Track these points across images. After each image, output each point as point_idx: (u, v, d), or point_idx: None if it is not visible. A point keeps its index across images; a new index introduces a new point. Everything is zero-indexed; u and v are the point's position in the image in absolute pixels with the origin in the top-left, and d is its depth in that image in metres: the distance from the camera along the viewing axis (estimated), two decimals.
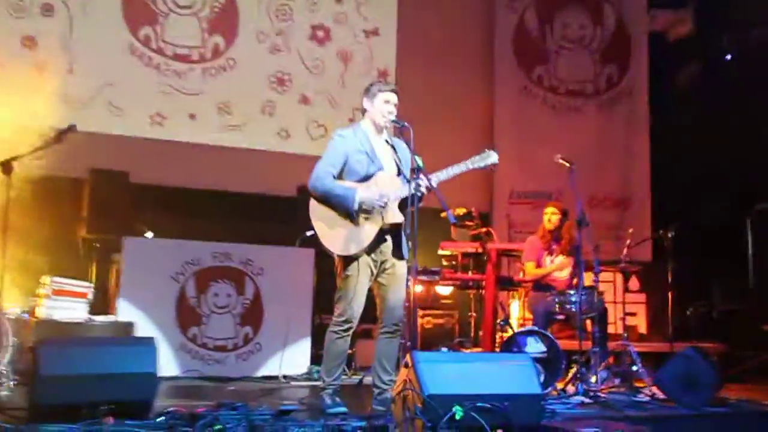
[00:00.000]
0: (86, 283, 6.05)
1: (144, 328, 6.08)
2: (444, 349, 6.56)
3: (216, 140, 7.88)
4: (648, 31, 9.53)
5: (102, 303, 6.28)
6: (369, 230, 4.43)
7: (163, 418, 3.80)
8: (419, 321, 7.41)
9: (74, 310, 5.90)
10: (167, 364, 6.04)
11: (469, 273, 7.30)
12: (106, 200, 6.75)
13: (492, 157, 4.52)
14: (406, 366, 3.65)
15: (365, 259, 4.44)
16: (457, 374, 3.69)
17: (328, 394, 4.51)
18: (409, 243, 4.28)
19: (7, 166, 4.96)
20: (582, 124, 9.35)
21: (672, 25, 9.22)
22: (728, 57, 8.58)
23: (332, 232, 4.44)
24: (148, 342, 4.04)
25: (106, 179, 6.85)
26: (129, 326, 6.01)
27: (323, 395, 4.53)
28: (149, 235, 6.92)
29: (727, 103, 8.56)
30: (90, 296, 6.01)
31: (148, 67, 7.75)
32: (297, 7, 8.36)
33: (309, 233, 4.63)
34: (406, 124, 4.40)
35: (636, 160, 9.44)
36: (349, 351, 6.73)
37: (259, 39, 8.20)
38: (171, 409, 3.91)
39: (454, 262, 7.33)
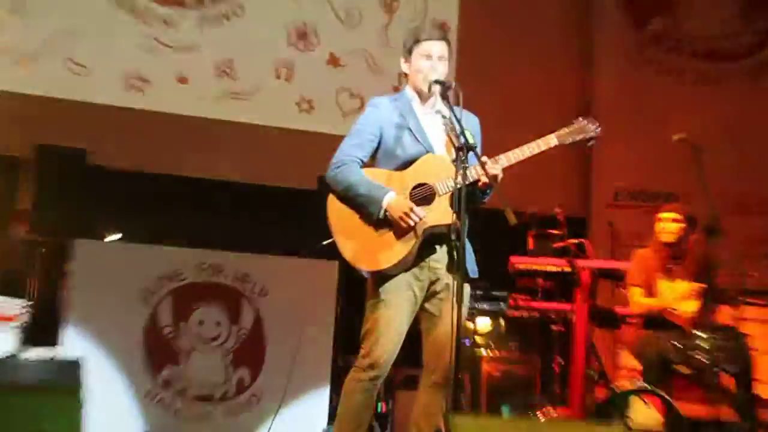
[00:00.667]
0: (17, 301, 5.78)
1: (97, 367, 5.73)
2: (508, 408, 6.27)
3: (213, 112, 7.64)
4: None
5: (45, 330, 5.96)
6: (405, 238, 4.00)
7: None
8: (484, 367, 7.03)
9: None
10: (128, 420, 5.89)
11: (553, 301, 6.88)
12: (55, 188, 6.52)
13: (589, 130, 4.17)
14: None
15: (405, 278, 4.01)
16: None
17: None
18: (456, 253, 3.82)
19: None
20: (721, 101, 8.77)
21: None
22: None
23: (358, 241, 4.04)
24: (72, 393, 3.62)
25: (55, 160, 6.59)
26: (74, 366, 5.49)
27: None
28: (113, 237, 6.72)
29: None
30: (23, 319, 5.73)
31: (123, 9, 7.48)
32: None
33: (326, 242, 4.22)
34: (451, 83, 4.01)
35: None
36: (384, 405, 6.37)
37: None
38: None
39: (531, 286, 6.90)
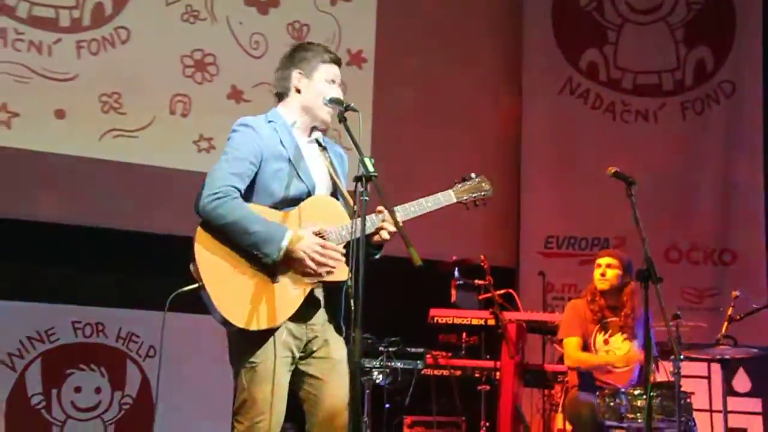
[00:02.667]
0: None
1: None
2: None
3: (96, 151, 7.38)
4: None
5: None
6: (293, 292, 3.77)
7: None
8: None
9: None
10: None
11: (478, 359, 6.84)
12: None
13: (483, 188, 4.19)
14: None
15: (284, 338, 3.79)
16: None
17: None
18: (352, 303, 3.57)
19: None
20: (657, 138, 8.93)
21: None
22: None
23: (231, 288, 3.73)
24: None
25: None
26: None
27: None
28: None
29: None
30: None
31: None
32: None
33: (189, 288, 3.90)
34: (351, 105, 3.80)
35: (743, 193, 8.91)
36: None
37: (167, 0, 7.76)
38: None
39: (453, 341, 6.91)
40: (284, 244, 3.66)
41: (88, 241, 7.14)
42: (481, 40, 8.88)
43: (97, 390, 6.06)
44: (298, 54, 4.03)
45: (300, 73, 3.96)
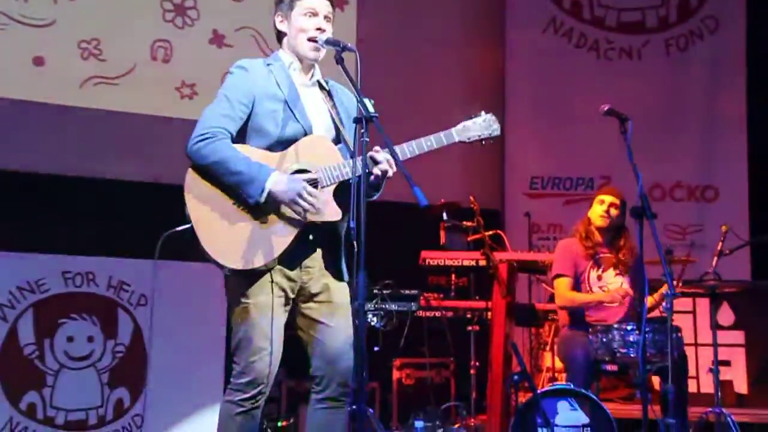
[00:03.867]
0: None
1: None
2: (420, 423, 6.08)
3: (77, 99, 7.36)
4: None
5: None
6: (282, 232, 3.78)
7: None
8: (395, 374, 7.12)
9: None
10: None
11: (468, 299, 6.90)
12: None
13: (491, 128, 4.08)
14: None
15: (276, 277, 3.80)
16: None
17: None
18: (356, 244, 3.55)
19: None
20: (641, 76, 8.94)
21: None
22: None
23: (221, 229, 3.76)
24: None
25: None
26: None
27: None
28: None
29: None
30: None
31: None
32: None
33: (180, 228, 3.93)
34: (347, 45, 3.76)
35: (726, 131, 8.98)
36: (285, 422, 6.33)
37: None
38: None
39: (444, 283, 6.97)
40: (267, 185, 3.66)
41: (74, 191, 7.16)
42: None
43: (90, 339, 5.96)
44: None
45: (280, 15, 3.98)
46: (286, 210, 3.74)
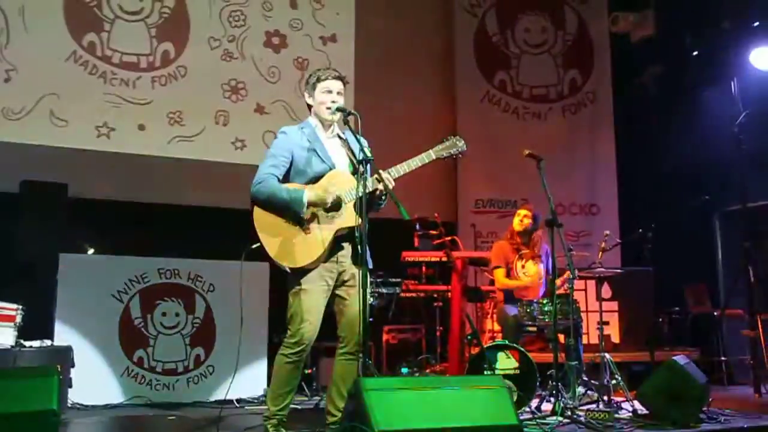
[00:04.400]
0: (13, 305, 5.22)
1: (84, 352, 5.53)
2: (405, 369, 6.01)
3: (167, 152, 7.22)
4: (610, 34, 9.02)
5: (43, 327, 5.51)
6: (322, 237, 3.76)
7: None
8: (384, 336, 7.02)
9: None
10: (110, 391, 5.65)
11: (434, 284, 6.76)
12: (41, 215, 5.99)
13: (457, 146, 3.97)
14: (351, 396, 2.82)
15: (319, 272, 3.78)
16: (414, 404, 2.90)
17: (272, 425, 3.80)
18: (359, 248, 3.64)
19: None
20: (546, 130, 8.80)
21: (634, 26, 8.66)
22: (695, 53, 7.98)
23: (280, 242, 3.75)
24: (47, 372, 3.20)
25: (41, 192, 6.07)
26: (66, 351, 5.29)
27: (267, 426, 3.82)
28: (90, 251, 6.35)
29: (692, 104, 8.20)
30: (18, 319, 5.22)
31: (94, 75, 7.02)
32: (251, 12, 7.69)
33: (255, 245, 3.90)
34: (351, 111, 3.79)
35: (602, 166, 8.88)
36: (309, 371, 6.23)
37: (211, 45, 7.52)
38: None
39: (417, 273, 6.79)
40: (305, 200, 3.69)
41: (165, 214, 7.03)
42: (425, 69, 8.67)
43: (177, 314, 5.91)
44: (306, 80, 4.05)
45: (307, 92, 3.99)
46: (321, 219, 3.74)
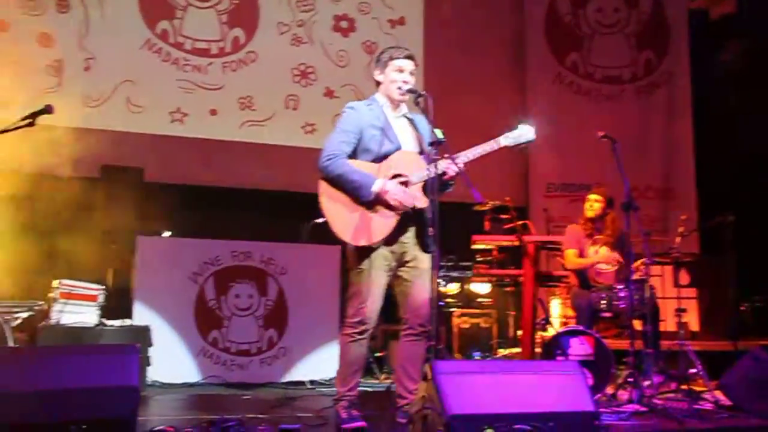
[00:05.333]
0: (96, 286, 5.42)
1: (161, 332, 5.62)
2: (477, 353, 5.83)
3: (238, 136, 7.34)
4: (688, 11, 8.78)
5: (122, 307, 5.70)
6: (387, 219, 3.72)
7: None
8: (455, 321, 6.97)
9: (83, 314, 5.32)
10: (187, 370, 5.71)
11: (506, 269, 6.65)
12: (120, 199, 6.15)
13: (528, 134, 3.87)
14: (425, 379, 2.80)
15: (382, 251, 3.75)
16: (488, 388, 2.85)
17: (343, 407, 3.79)
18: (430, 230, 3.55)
19: None
20: (620, 112, 8.59)
21: (713, 2, 8.34)
22: None
23: (344, 218, 3.72)
24: (129, 350, 3.29)
25: (118, 177, 6.29)
26: (145, 330, 5.45)
27: (338, 408, 3.81)
28: (166, 234, 6.39)
29: None
30: (101, 299, 5.42)
31: (167, 62, 7.23)
32: None
33: (318, 220, 3.90)
34: (423, 92, 3.71)
35: (679, 148, 8.67)
36: (381, 353, 6.20)
37: (281, 31, 7.62)
38: (157, 428, 3.15)
39: (489, 258, 6.67)
40: (374, 189, 3.65)
41: (236, 198, 7.12)
42: (495, 51, 8.56)
43: (250, 296, 5.92)
44: (377, 57, 3.99)
45: (378, 69, 3.92)
46: (387, 204, 3.69)
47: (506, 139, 3.85)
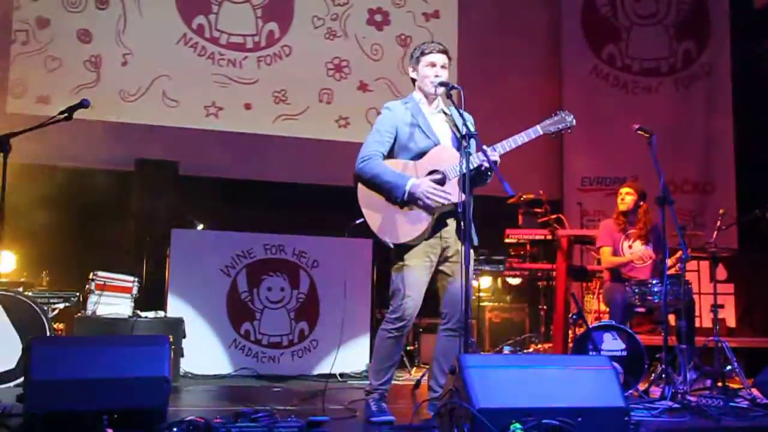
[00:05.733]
0: (131, 278, 5.50)
1: (194, 324, 5.68)
2: (508, 348, 5.81)
3: (272, 130, 7.38)
4: (730, 1, 8.54)
5: (156, 299, 5.81)
6: (423, 216, 3.73)
7: (175, 429, 3.11)
8: (487, 315, 6.86)
9: (118, 306, 5.40)
10: (219, 362, 5.76)
11: (539, 263, 6.65)
12: (154, 192, 6.24)
13: (566, 120, 3.84)
14: (453, 372, 2.79)
15: (423, 248, 3.76)
16: (516, 382, 2.83)
17: (374, 400, 3.81)
18: (463, 224, 3.52)
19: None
20: (658, 105, 8.42)
21: None
22: None
23: (383, 219, 3.75)
24: (160, 342, 3.35)
25: (153, 170, 6.34)
26: (178, 322, 5.51)
27: (369, 400, 3.83)
28: (200, 227, 6.46)
29: None
30: (135, 291, 5.50)
31: (202, 57, 7.30)
32: None
33: (358, 221, 3.92)
34: (454, 85, 3.72)
35: (718, 142, 8.44)
36: (412, 347, 6.22)
37: (315, 24, 7.64)
38: (188, 418, 3.19)
39: (522, 252, 6.70)
40: (407, 189, 3.65)
41: (269, 191, 7.17)
42: (531, 43, 8.47)
43: (282, 289, 5.94)
44: (411, 54, 3.99)
45: (411, 66, 3.93)
46: (420, 203, 3.69)
47: (545, 127, 3.83)
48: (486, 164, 3.65)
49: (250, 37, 7.40)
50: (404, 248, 3.74)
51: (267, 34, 7.44)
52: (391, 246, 3.75)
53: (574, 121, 3.83)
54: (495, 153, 3.69)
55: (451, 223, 3.80)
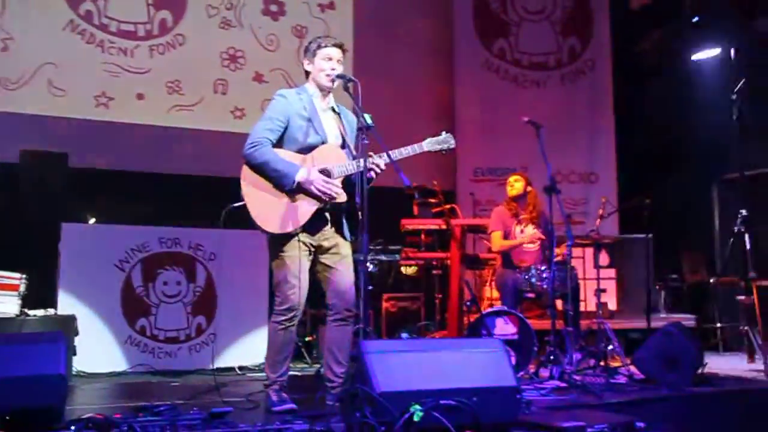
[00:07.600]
0: (16, 275, 5.27)
1: (87, 321, 5.54)
2: (405, 335, 5.98)
3: (166, 121, 7.26)
4: (609, 1, 8.96)
5: (45, 296, 5.57)
6: (306, 208, 3.78)
7: (73, 427, 3.06)
8: (384, 305, 7.00)
9: (3, 304, 5.18)
10: (114, 359, 5.68)
11: (434, 252, 6.74)
12: (42, 185, 5.98)
13: (449, 142, 4.01)
14: (354, 359, 2.89)
15: (302, 238, 3.80)
16: (415, 366, 2.96)
17: (274, 390, 3.85)
18: (360, 215, 3.65)
19: None
20: (546, 98, 8.76)
21: None
22: (695, 19, 7.95)
23: (264, 206, 3.76)
24: (54, 338, 3.28)
25: (40, 162, 6.05)
26: (70, 320, 5.36)
27: (269, 392, 3.88)
28: (92, 221, 6.35)
29: (690, 71, 8.20)
30: (22, 289, 5.28)
31: (91, 44, 7.07)
32: None
33: (237, 204, 3.90)
34: (351, 78, 3.78)
35: (601, 133, 8.85)
36: (310, 338, 6.26)
37: (209, 14, 7.55)
38: (86, 416, 3.16)
39: (417, 241, 6.76)
40: (296, 178, 3.69)
41: (164, 184, 7.06)
42: (424, 36, 8.62)
43: (178, 283, 5.91)
44: (305, 47, 4.02)
45: (307, 59, 3.95)
46: (309, 194, 3.74)
47: (429, 144, 3.97)
48: (371, 173, 3.74)
49: (142, 25, 7.23)
50: (285, 238, 3.76)
51: (159, 23, 7.29)
52: (269, 235, 3.77)
53: (454, 144, 4.02)
54: (381, 161, 3.77)
55: (328, 218, 3.86)
